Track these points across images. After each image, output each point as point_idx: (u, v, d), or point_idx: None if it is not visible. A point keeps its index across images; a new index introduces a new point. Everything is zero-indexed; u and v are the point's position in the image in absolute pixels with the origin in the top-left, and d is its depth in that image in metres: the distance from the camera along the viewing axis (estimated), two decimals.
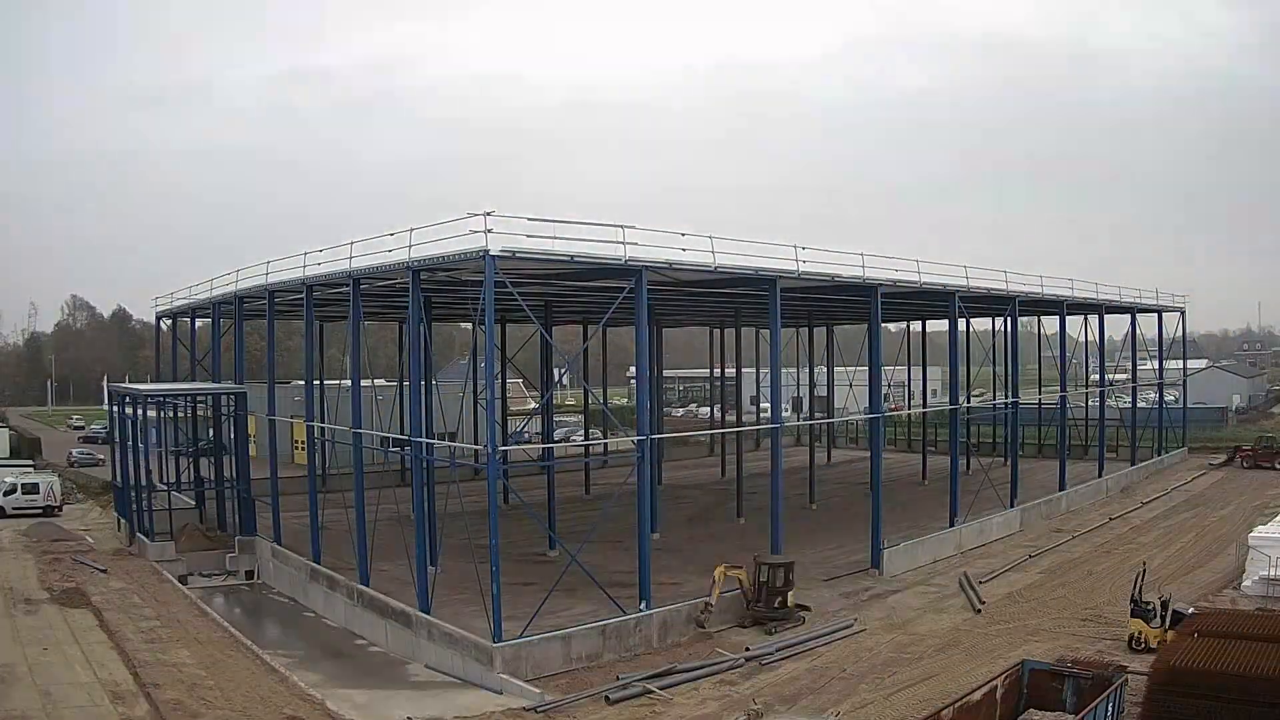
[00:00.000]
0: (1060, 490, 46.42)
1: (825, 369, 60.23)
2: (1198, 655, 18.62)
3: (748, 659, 24.35)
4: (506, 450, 26.92)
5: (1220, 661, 18.14)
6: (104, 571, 34.11)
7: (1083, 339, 57.58)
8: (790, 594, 27.48)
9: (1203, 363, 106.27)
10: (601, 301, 39.95)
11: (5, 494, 45.62)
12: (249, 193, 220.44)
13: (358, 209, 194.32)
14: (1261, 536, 28.73)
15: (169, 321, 51.33)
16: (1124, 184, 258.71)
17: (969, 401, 45.90)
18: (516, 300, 26.77)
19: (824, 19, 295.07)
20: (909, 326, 64.18)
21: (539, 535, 33.65)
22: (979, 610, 28.65)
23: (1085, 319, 52.91)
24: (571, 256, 25.91)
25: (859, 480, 49.48)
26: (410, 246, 26.29)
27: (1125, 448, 55.54)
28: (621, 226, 26.08)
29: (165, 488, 42.91)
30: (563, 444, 47.37)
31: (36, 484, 47.06)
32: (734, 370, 59.28)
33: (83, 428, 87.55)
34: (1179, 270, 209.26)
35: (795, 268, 30.73)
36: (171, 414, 43.99)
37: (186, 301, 46.61)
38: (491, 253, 23.61)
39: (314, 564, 32.60)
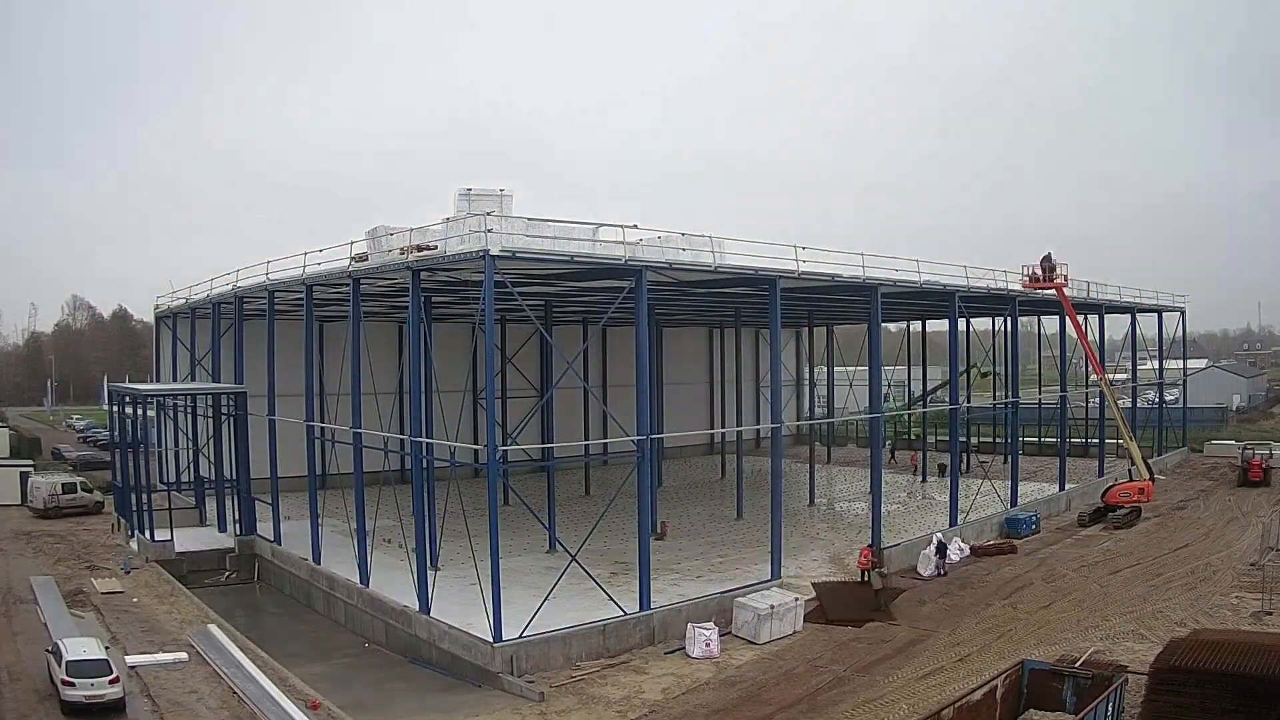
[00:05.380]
0: (1060, 490, 46.51)
1: (825, 369, 60.43)
2: (1197, 655, 18.61)
3: None
4: (506, 450, 26.90)
5: (1219, 661, 18.13)
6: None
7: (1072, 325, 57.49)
8: None
9: (1203, 362, 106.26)
10: (601, 302, 40.03)
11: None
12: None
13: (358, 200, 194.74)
14: None
15: (169, 321, 51.34)
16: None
17: (969, 400, 45.94)
18: (516, 300, 26.84)
19: None
20: (909, 326, 64.20)
21: (539, 535, 33.69)
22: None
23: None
24: (571, 256, 25.96)
25: (859, 479, 49.59)
26: (410, 246, 26.34)
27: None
28: (622, 226, 26.14)
29: (165, 487, 42.95)
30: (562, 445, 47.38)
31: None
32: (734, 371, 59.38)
33: (83, 430, 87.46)
34: (1179, 269, 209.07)
35: (795, 267, 30.76)
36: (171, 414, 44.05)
37: (186, 301, 46.65)
38: (491, 253, 23.63)
39: (314, 564, 32.67)
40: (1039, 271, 44.20)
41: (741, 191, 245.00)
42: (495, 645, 23.32)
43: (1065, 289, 44.64)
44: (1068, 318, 46.65)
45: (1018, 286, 44.05)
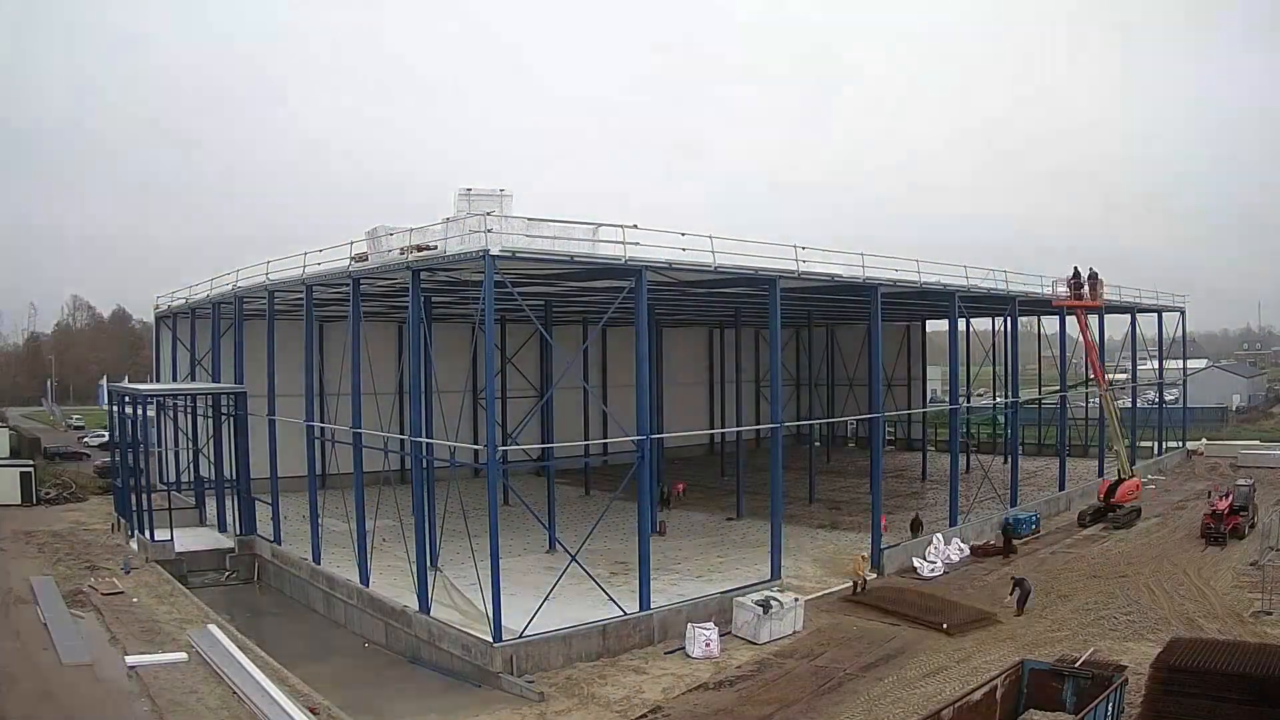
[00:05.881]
0: (1060, 490, 46.52)
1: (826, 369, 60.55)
2: (1197, 655, 18.63)
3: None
4: (506, 450, 26.90)
5: (1219, 661, 18.14)
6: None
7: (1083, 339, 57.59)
8: None
9: (1203, 362, 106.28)
10: (601, 302, 40.03)
11: None
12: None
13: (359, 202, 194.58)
14: None
15: (169, 321, 51.35)
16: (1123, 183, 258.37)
17: (969, 401, 45.95)
18: (517, 300, 26.86)
19: None
20: (909, 327, 64.21)
21: (539, 535, 33.69)
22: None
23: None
24: (571, 256, 25.96)
25: (859, 479, 49.59)
26: (410, 246, 26.35)
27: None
28: (622, 226, 26.12)
29: (165, 487, 42.92)
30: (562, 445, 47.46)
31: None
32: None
33: (82, 428, 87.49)
34: (1179, 269, 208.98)
35: (795, 268, 30.76)
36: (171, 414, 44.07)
37: (186, 301, 46.67)
38: (491, 253, 23.64)
39: (314, 564, 32.68)
40: (1083, 288, 43.85)
41: None
42: (495, 645, 23.32)
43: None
44: (1069, 317, 46.59)
45: (1019, 288, 43.95)
